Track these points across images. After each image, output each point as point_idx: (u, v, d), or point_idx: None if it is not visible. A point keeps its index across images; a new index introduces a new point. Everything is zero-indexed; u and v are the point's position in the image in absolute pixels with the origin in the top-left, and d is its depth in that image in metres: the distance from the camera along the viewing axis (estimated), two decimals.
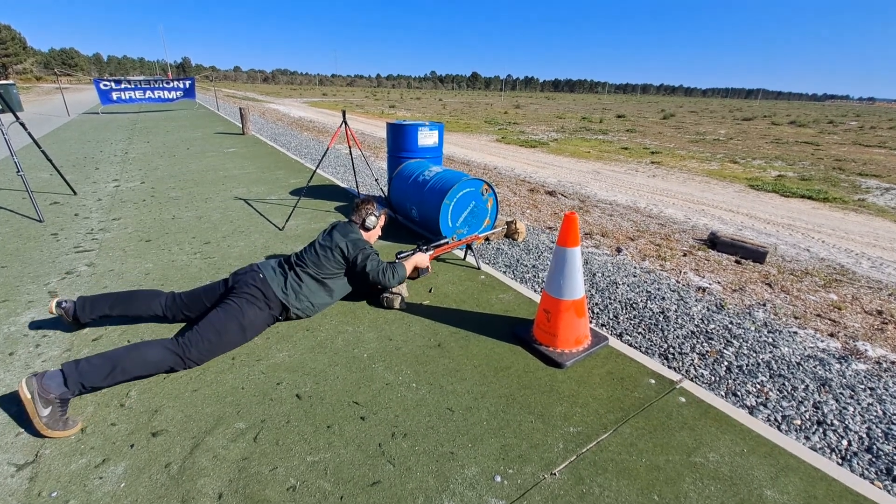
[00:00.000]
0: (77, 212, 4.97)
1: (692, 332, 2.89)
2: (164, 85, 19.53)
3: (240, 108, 11.21)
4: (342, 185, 6.47)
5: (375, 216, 2.99)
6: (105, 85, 18.14)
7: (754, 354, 2.69)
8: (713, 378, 2.47)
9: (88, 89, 37.56)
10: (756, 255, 4.65)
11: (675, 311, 3.18)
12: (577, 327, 2.42)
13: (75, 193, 5.64)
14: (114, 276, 3.36)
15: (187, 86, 19.91)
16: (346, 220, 3.03)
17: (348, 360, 2.42)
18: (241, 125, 11.52)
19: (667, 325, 2.95)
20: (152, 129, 12.74)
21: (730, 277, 4.06)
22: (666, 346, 2.73)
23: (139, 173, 7.01)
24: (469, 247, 3.51)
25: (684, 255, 4.69)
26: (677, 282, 3.83)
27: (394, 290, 2.91)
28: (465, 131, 17.14)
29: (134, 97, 18.74)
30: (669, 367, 2.54)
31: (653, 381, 2.27)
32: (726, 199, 7.61)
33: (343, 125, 4.43)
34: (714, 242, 4.98)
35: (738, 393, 2.36)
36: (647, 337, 2.82)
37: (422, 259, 3.06)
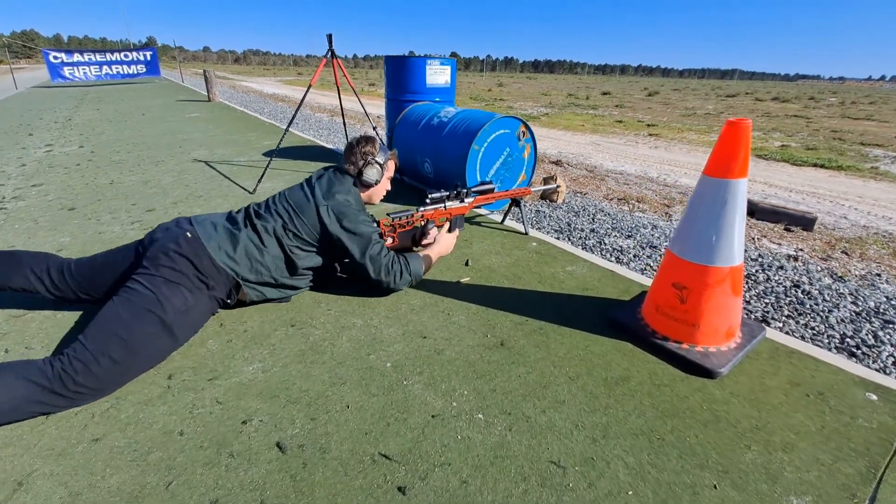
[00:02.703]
0: None
1: (856, 314, 2.02)
2: (123, 58, 17.70)
3: (204, 71, 9.86)
4: (328, 145, 5.41)
5: (380, 163, 1.93)
6: (55, 57, 16.26)
7: None
8: None
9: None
10: (804, 222, 4.00)
11: (809, 283, 2.31)
12: (732, 311, 1.52)
13: None
14: None
15: (148, 58, 18.11)
16: (335, 167, 1.96)
17: (362, 375, 1.48)
18: (206, 92, 10.18)
19: (816, 305, 2.07)
20: (105, 98, 11.28)
21: (802, 245, 3.28)
22: (839, 335, 1.85)
23: (79, 138, 5.81)
24: (516, 204, 2.56)
25: None
26: (756, 249, 3.01)
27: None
28: None
29: (89, 73, 16.88)
30: (882, 372, 1.65)
31: (874, 398, 1.39)
32: None
33: (329, 55, 3.39)
34: (752, 210, 4.33)
35: None
36: (802, 322, 1.94)
37: (449, 244, 2.13)
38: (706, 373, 1.45)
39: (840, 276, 2.59)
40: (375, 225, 1.89)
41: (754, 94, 34.21)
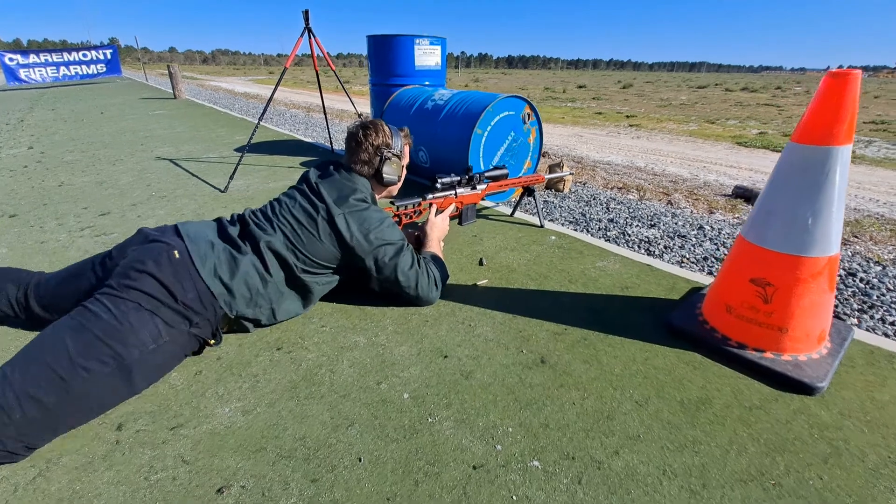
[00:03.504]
0: None
1: None
2: (82, 58, 16.66)
3: (168, 67, 9.24)
4: (306, 139, 5.01)
5: (398, 155, 1.56)
6: (10, 59, 15.16)
7: None
8: None
9: None
10: None
11: (863, 272, 2.08)
12: (826, 311, 1.25)
13: None
14: None
15: (109, 56, 17.12)
16: (338, 164, 1.57)
17: (374, 412, 1.15)
18: (171, 89, 9.56)
19: (883, 296, 1.83)
20: (62, 98, 10.52)
21: None
22: None
23: (29, 139, 5.26)
24: (530, 193, 2.25)
25: (731, 210, 3.70)
26: None
27: None
28: None
29: (46, 75, 15.82)
30: None
31: None
32: (720, 156, 7.22)
33: (306, 33, 3.01)
34: (747, 196, 4.21)
35: None
36: (878, 317, 1.68)
37: (445, 226, 1.82)
38: (803, 388, 1.17)
39: (877, 261, 2.38)
40: (403, 236, 1.55)
41: (723, 84, 35.07)
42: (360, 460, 1.01)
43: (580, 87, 29.90)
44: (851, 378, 1.24)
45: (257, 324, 1.42)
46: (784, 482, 0.95)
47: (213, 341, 1.32)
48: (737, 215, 3.34)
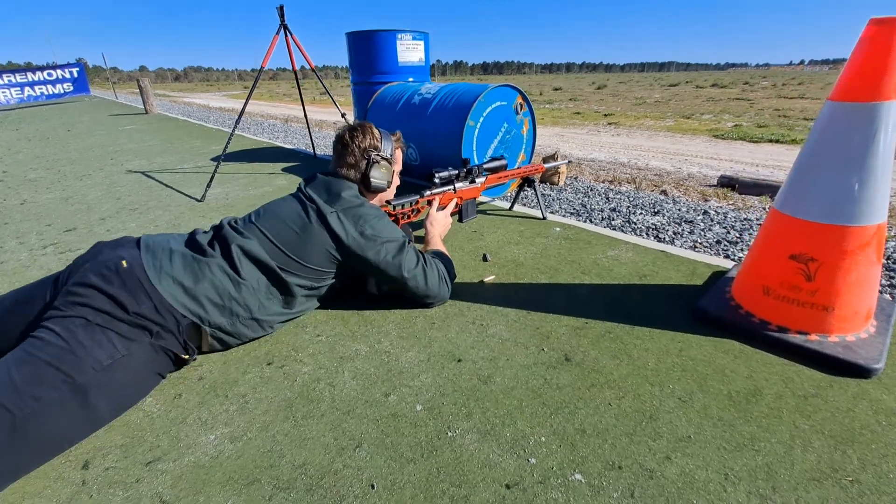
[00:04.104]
0: None
1: None
2: (47, 77, 16.11)
3: (138, 82, 8.93)
4: (286, 145, 4.83)
5: (387, 158, 1.43)
6: None
7: None
8: None
9: None
10: None
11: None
12: (874, 286, 1.14)
13: None
14: None
15: (75, 74, 16.59)
16: (326, 172, 1.44)
17: (384, 429, 1.00)
18: (142, 105, 9.25)
19: None
20: (27, 118, 10.10)
21: None
22: None
23: None
24: (529, 184, 2.13)
25: (724, 197, 3.67)
26: None
27: None
28: None
29: (10, 97, 15.24)
30: None
31: None
32: (700, 148, 7.30)
33: (282, 31, 2.85)
34: (732, 185, 4.22)
35: None
36: None
37: (447, 221, 1.70)
38: (858, 371, 1.06)
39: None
40: (405, 234, 1.41)
41: (693, 82, 35.98)
42: (372, 487, 0.86)
43: (556, 89, 30.33)
44: None
45: (239, 338, 1.26)
46: (862, 478, 0.83)
47: (186, 356, 1.15)
48: (731, 202, 3.28)
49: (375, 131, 1.44)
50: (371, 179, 1.40)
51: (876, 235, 1.07)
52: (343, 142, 1.40)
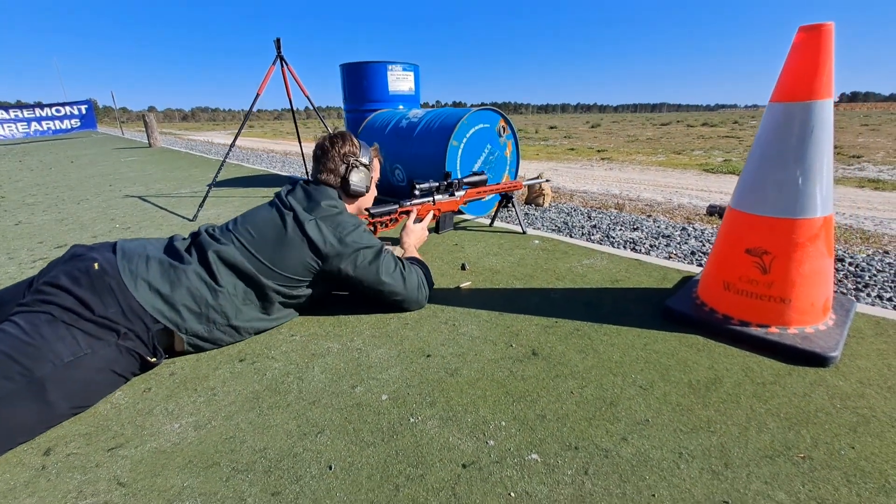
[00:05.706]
0: None
1: None
2: (55, 113, 16.58)
3: (143, 116, 9.22)
4: (283, 172, 4.95)
5: (365, 165, 1.49)
6: None
7: None
8: None
9: None
10: None
11: (850, 257, 2.04)
12: (828, 277, 1.18)
13: None
14: None
15: (83, 111, 17.08)
16: (307, 182, 1.48)
17: (347, 416, 1.00)
18: (147, 138, 9.51)
19: (874, 277, 1.78)
20: (32, 151, 10.36)
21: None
22: None
23: None
24: (508, 200, 2.20)
25: (709, 221, 3.76)
26: None
27: None
28: None
29: (16, 131, 15.64)
30: None
31: None
32: (690, 182, 7.48)
33: (278, 62, 3.01)
34: (721, 214, 4.31)
35: None
36: (874, 294, 1.62)
37: (423, 233, 1.75)
38: (816, 360, 1.08)
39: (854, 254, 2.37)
40: (382, 243, 1.46)
41: (685, 121, 37.09)
42: (330, 468, 0.86)
43: (551, 127, 31.19)
44: (863, 348, 1.16)
45: (216, 343, 1.27)
46: (814, 455, 0.84)
47: (153, 359, 1.16)
48: (715, 225, 3.36)
49: (355, 140, 1.50)
50: (351, 184, 1.45)
51: (823, 228, 1.11)
52: (323, 148, 1.46)
